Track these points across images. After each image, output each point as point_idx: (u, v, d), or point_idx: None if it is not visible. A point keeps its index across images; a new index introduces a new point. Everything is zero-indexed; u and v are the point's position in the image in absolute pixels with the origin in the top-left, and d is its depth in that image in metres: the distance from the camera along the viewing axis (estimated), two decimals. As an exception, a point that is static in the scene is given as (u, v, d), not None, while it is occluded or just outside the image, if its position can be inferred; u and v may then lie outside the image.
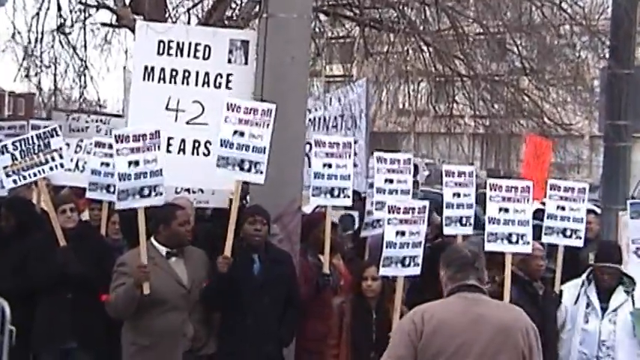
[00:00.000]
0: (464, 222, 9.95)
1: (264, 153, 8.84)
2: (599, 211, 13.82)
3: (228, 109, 8.81)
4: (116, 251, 9.68)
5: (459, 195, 9.96)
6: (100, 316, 8.84)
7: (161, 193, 8.57)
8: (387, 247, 8.57)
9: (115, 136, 8.62)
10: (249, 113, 8.83)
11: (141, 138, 8.54)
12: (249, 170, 8.78)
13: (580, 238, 9.68)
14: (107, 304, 8.45)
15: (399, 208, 8.68)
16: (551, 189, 9.89)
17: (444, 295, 6.41)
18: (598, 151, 25.33)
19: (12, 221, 10.08)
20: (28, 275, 9.27)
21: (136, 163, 8.47)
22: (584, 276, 9.72)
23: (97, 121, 12.76)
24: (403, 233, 8.58)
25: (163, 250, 8.49)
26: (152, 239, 8.52)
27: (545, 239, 9.64)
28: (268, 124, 8.87)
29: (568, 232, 9.62)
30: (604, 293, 9.50)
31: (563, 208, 9.65)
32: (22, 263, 9.38)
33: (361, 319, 8.69)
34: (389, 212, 8.69)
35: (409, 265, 8.56)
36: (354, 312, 8.83)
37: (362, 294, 8.81)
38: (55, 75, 21.27)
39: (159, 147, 8.65)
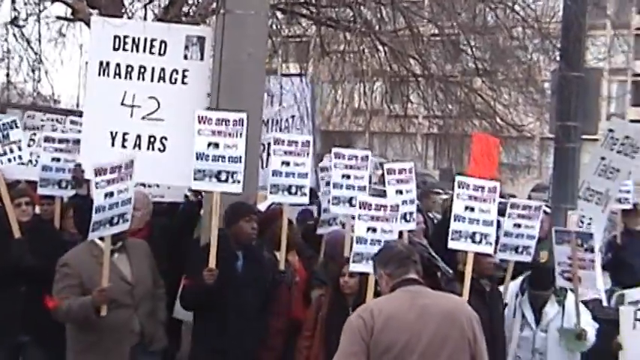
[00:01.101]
0: (407, 218, 10.01)
1: (240, 162, 8.88)
2: (549, 210, 13.95)
3: (199, 122, 8.84)
4: (72, 245, 9.41)
5: (401, 192, 10.03)
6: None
7: (127, 220, 8.48)
8: (357, 242, 8.60)
9: (95, 170, 8.47)
10: (222, 124, 8.88)
11: (116, 170, 8.44)
12: (226, 181, 8.83)
13: (490, 243, 9.32)
14: (55, 312, 8.29)
15: (371, 205, 8.69)
16: (459, 187, 9.50)
17: (387, 292, 6.54)
18: (548, 152, 25.46)
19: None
20: None
21: (111, 194, 8.36)
22: (519, 282, 9.96)
23: (52, 120, 12.67)
24: (375, 230, 8.57)
25: (102, 245, 8.36)
26: (96, 239, 8.42)
27: (451, 245, 9.33)
28: (241, 134, 8.90)
29: (478, 237, 9.27)
30: (537, 305, 9.73)
31: (471, 209, 9.37)
32: None
33: (337, 315, 8.62)
34: (360, 208, 8.70)
35: None
36: (330, 307, 8.88)
37: (339, 289, 8.85)
38: (8, 69, 21.21)
39: (131, 177, 8.58)
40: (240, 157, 8.89)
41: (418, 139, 28.51)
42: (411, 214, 10.10)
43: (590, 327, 9.67)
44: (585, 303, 10.08)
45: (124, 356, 8.29)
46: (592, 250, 10.74)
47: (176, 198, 10.09)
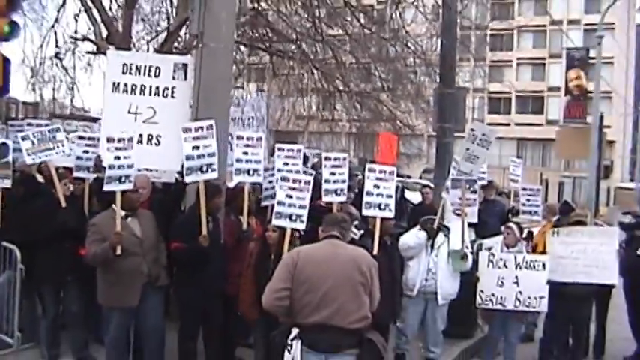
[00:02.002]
0: (338, 193, 9.88)
1: (215, 156, 8.77)
2: (433, 186, 13.98)
3: (184, 133, 8.72)
4: (96, 213, 9.33)
5: (334, 174, 9.88)
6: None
7: (131, 181, 8.41)
8: (277, 204, 8.56)
9: (107, 138, 8.61)
10: (199, 131, 8.76)
11: (122, 141, 8.50)
12: (206, 172, 8.70)
13: (391, 210, 9.30)
14: (85, 257, 8.27)
15: (289, 179, 8.69)
16: (369, 171, 9.55)
17: None
18: (432, 145, 25.66)
19: (21, 189, 9.78)
20: (36, 229, 9.11)
21: (118, 157, 8.40)
22: (416, 229, 9.93)
23: (83, 127, 12.52)
24: (291, 197, 8.51)
25: (122, 212, 8.31)
26: (114, 205, 8.35)
27: (365, 212, 9.36)
28: (213, 135, 8.78)
29: (382, 206, 9.25)
30: (430, 236, 9.82)
31: (378, 187, 9.34)
32: (29, 220, 9.22)
33: (263, 259, 8.62)
34: (282, 180, 8.72)
35: (295, 220, 8.46)
36: (259, 252, 8.80)
37: (265, 240, 8.76)
38: (53, 89, 21.11)
39: (133, 147, 8.54)
40: (214, 152, 8.78)
41: (342, 136, 28.53)
42: (342, 190, 9.95)
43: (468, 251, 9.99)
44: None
45: (137, 291, 8.20)
46: (475, 192, 10.84)
47: (169, 179, 9.89)
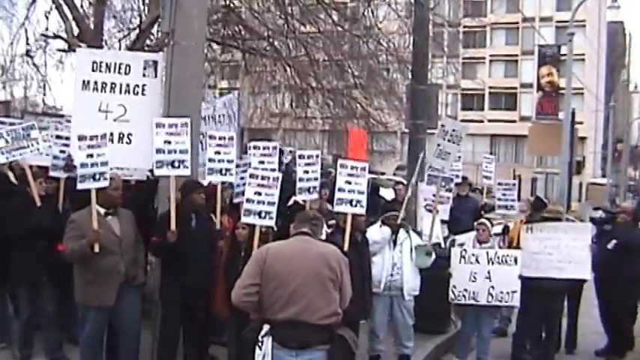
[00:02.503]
0: (311, 191, 9.89)
1: (187, 153, 8.81)
2: (405, 182, 14.00)
3: (157, 127, 8.77)
4: (69, 212, 9.32)
5: (307, 172, 9.89)
6: (61, 258, 8.51)
7: (106, 178, 8.40)
8: (247, 201, 8.60)
9: (78, 136, 8.57)
10: (172, 127, 8.81)
11: (95, 138, 8.52)
12: (178, 167, 8.75)
13: (362, 206, 9.29)
14: (63, 254, 8.21)
15: (258, 176, 8.74)
16: (340, 167, 9.52)
17: None
18: (405, 142, 25.70)
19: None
20: (8, 228, 9.08)
21: (91, 155, 8.42)
22: (378, 225, 10.00)
23: (55, 122, 12.35)
24: (260, 194, 8.56)
25: (102, 210, 8.30)
26: (97, 208, 8.27)
27: (336, 208, 9.32)
28: (187, 132, 8.82)
29: (354, 202, 9.22)
30: (392, 232, 9.84)
31: (349, 183, 9.32)
32: (2, 219, 9.16)
33: (233, 256, 8.74)
34: (250, 177, 8.76)
35: (264, 217, 8.51)
36: (229, 249, 8.93)
37: (235, 237, 8.84)
38: (24, 87, 21.00)
39: (106, 144, 8.58)
40: (187, 149, 8.81)
41: (316, 134, 28.54)
42: (314, 187, 9.96)
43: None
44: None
45: (113, 290, 8.15)
46: (450, 190, 10.87)
47: (141, 176, 9.84)
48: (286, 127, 26.49)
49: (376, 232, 9.81)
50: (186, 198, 8.69)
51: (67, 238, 8.13)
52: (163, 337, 8.70)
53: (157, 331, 8.97)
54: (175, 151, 8.74)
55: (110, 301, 8.14)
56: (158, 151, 8.71)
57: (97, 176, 8.36)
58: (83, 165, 8.36)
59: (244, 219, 8.55)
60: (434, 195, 10.66)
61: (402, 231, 9.90)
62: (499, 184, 13.33)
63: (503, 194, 12.69)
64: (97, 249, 7.98)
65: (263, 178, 8.68)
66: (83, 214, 8.27)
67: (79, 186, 8.32)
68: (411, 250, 9.84)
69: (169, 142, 8.74)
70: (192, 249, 8.48)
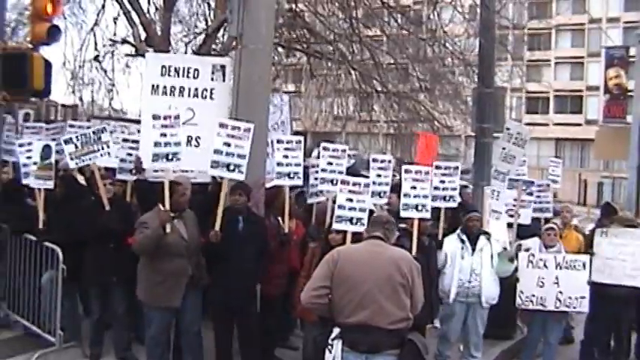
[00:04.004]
0: (382, 195, 10.00)
1: (245, 159, 8.84)
2: (471, 187, 13.91)
3: (220, 127, 8.81)
4: (137, 213, 9.52)
5: (380, 175, 9.89)
6: (132, 260, 8.70)
7: (179, 159, 8.67)
8: (338, 208, 8.54)
9: (152, 115, 8.82)
10: (234, 130, 8.85)
11: (168, 118, 8.76)
12: (233, 171, 8.81)
13: (427, 211, 9.33)
14: (134, 244, 8.38)
15: (349, 182, 8.66)
16: (405, 172, 9.53)
17: None
18: (470, 145, 25.51)
19: (63, 190, 9.98)
20: (78, 230, 9.24)
21: (164, 134, 8.69)
22: (458, 230, 9.80)
23: (121, 127, 12.55)
24: (351, 200, 8.51)
25: (170, 214, 8.40)
26: (161, 206, 8.42)
27: (402, 214, 9.30)
28: (248, 137, 8.86)
29: (420, 207, 9.25)
30: (472, 238, 9.66)
31: (414, 188, 9.33)
32: (71, 221, 9.36)
33: None
34: (342, 184, 8.68)
35: (356, 223, 8.45)
36: (321, 255, 8.72)
37: (328, 242, 8.70)
38: (91, 91, 21.35)
39: (179, 125, 8.82)
40: (245, 155, 8.86)
41: (380, 137, 28.51)
42: (385, 192, 10.07)
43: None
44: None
45: (180, 292, 8.31)
46: (531, 194, 10.74)
47: (206, 179, 9.96)
48: (351, 130, 26.49)
49: (451, 243, 9.72)
50: (228, 198, 8.77)
51: (137, 235, 8.29)
52: (218, 338, 8.77)
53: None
54: (233, 155, 8.81)
55: (176, 302, 8.29)
56: (216, 152, 8.78)
57: (170, 156, 8.60)
58: (157, 144, 8.59)
59: (336, 225, 8.51)
60: (515, 199, 10.52)
61: (482, 237, 9.73)
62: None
63: (538, 196, 12.16)
64: (168, 229, 8.17)
65: (354, 184, 8.63)
66: (152, 215, 8.39)
67: (153, 165, 8.61)
68: (491, 256, 9.66)
69: (229, 145, 8.80)
70: (238, 251, 8.52)
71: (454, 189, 9.85)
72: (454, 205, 9.73)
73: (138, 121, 12.43)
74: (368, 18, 18.13)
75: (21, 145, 10.19)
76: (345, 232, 8.52)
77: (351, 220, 8.45)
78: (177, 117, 8.74)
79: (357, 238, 8.43)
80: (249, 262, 8.63)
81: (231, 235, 8.50)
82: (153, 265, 8.28)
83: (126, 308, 9.39)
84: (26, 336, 10.14)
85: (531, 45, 61.23)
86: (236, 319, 8.75)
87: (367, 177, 9.94)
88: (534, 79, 65.00)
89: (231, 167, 8.78)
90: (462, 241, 9.65)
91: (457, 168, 10.05)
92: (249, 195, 8.90)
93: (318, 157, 10.40)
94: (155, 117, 8.67)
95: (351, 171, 10.88)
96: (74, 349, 9.72)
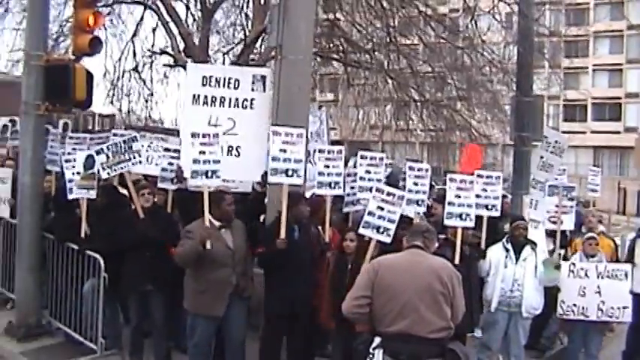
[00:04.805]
0: (419, 203, 9.89)
1: (302, 163, 8.88)
2: (510, 196, 13.84)
3: (273, 135, 8.82)
4: (177, 223, 9.73)
5: (417, 184, 9.89)
6: (169, 268, 8.84)
7: (218, 176, 8.67)
8: (368, 214, 8.50)
9: (191, 133, 8.85)
10: (288, 136, 8.85)
11: (207, 136, 8.77)
12: (291, 176, 8.82)
13: (471, 220, 9.36)
14: (176, 256, 8.46)
15: (383, 191, 8.62)
16: (450, 181, 9.59)
17: None
18: (508, 154, 25.40)
19: (104, 200, 10.08)
20: (116, 239, 9.31)
21: (203, 152, 8.70)
22: (504, 239, 9.78)
23: (157, 139, 12.64)
24: (382, 209, 8.47)
25: (217, 223, 8.50)
26: (208, 216, 8.50)
27: (446, 222, 9.36)
28: (302, 142, 8.90)
29: (464, 216, 9.30)
30: (517, 247, 9.64)
31: (459, 197, 9.37)
32: (112, 230, 9.45)
33: (340, 268, 8.72)
34: (376, 191, 8.65)
35: (382, 233, 8.41)
36: (336, 263, 8.89)
37: (343, 250, 8.81)
38: (129, 101, 21.58)
39: (218, 142, 8.84)
40: (301, 159, 8.89)
41: (416, 146, 28.48)
42: (422, 200, 9.95)
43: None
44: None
45: (224, 301, 8.36)
46: (572, 199, 10.70)
47: (246, 189, 10.03)
48: (387, 139, 26.51)
49: (495, 252, 9.71)
50: (292, 209, 8.75)
51: (182, 244, 8.36)
52: (265, 348, 8.80)
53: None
54: (290, 160, 8.82)
55: (220, 311, 8.34)
56: (274, 159, 8.78)
57: (210, 174, 8.62)
58: (195, 161, 8.62)
59: (362, 230, 8.50)
60: (556, 206, 10.48)
61: (527, 247, 9.69)
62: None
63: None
64: (208, 246, 8.18)
65: (389, 194, 8.59)
66: (198, 224, 8.47)
67: (191, 182, 8.68)
68: (535, 267, 9.61)
69: (284, 151, 8.81)
70: (295, 259, 8.54)
71: (496, 198, 9.82)
72: (496, 214, 9.72)
73: (173, 131, 12.55)
74: (405, 27, 18.16)
75: (67, 161, 10.33)
76: (361, 241, 8.59)
77: (377, 228, 8.43)
78: (216, 135, 8.80)
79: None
80: (305, 270, 8.70)
81: (288, 244, 8.54)
82: (197, 274, 8.35)
83: (164, 316, 9.46)
84: (67, 343, 10.25)
85: (569, 52, 60.64)
86: (289, 328, 8.82)
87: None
88: (572, 86, 64.43)
89: (290, 172, 8.80)
90: (507, 250, 9.63)
91: (499, 177, 10.03)
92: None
93: (355, 167, 10.41)
94: (194, 135, 8.73)
95: (390, 180, 10.87)
96: (115, 356, 9.81)
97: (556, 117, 70.86)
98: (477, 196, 9.70)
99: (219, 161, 8.69)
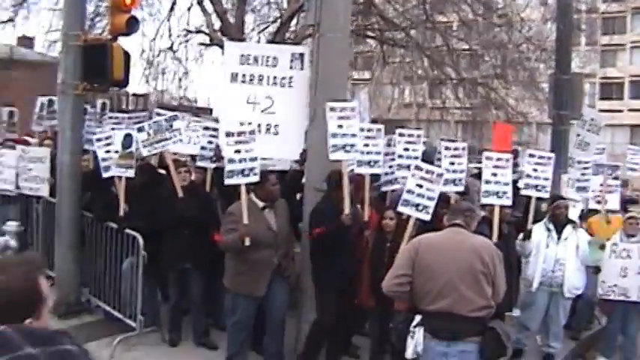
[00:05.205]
0: (456, 183, 9.80)
1: (355, 137, 8.84)
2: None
3: (330, 111, 8.77)
4: (215, 202, 9.91)
5: (453, 163, 9.84)
6: (206, 246, 9.00)
7: (255, 174, 8.57)
8: (406, 192, 8.46)
9: (225, 132, 8.81)
10: (343, 111, 8.80)
11: (242, 134, 8.70)
12: (349, 151, 8.78)
13: (508, 198, 9.30)
14: (219, 243, 8.53)
15: (422, 169, 8.58)
16: (486, 159, 9.54)
17: None
18: (544, 132, 25.24)
19: (142, 179, 10.15)
20: (155, 217, 9.46)
21: (238, 151, 8.59)
22: (545, 219, 9.74)
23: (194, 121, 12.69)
24: (421, 186, 8.42)
25: (260, 203, 8.51)
26: (252, 195, 8.55)
27: (483, 200, 9.36)
28: (356, 117, 8.85)
29: (500, 194, 9.25)
30: (559, 227, 9.62)
31: (495, 175, 9.32)
32: (150, 209, 9.59)
33: (379, 247, 8.71)
34: (415, 169, 8.61)
35: (421, 210, 8.37)
36: (375, 241, 8.86)
37: (382, 229, 8.80)
38: (164, 80, 21.69)
39: (254, 139, 8.72)
40: (355, 134, 8.84)
41: (451, 124, 28.41)
42: (460, 180, 9.86)
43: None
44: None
45: (265, 281, 8.37)
46: (617, 178, 10.60)
47: (284, 167, 10.08)
48: (422, 117, 26.47)
49: (537, 232, 9.66)
50: (335, 190, 8.73)
51: (224, 230, 8.40)
52: (320, 325, 8.80)
53: (303, 318, 9.19)
54: (347, 135, 8.78)
55: (261, 291, 8.36)
56: (334, 135, 8.74)
57: (246, 172, 8.54)
58: (231, 161, 8.58)
59: (401, 208, 8.48)
60: (601, 185, 10.39)
61: (568, 226, 9.67)
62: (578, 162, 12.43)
63: (582, 174, 11.87)
64: (247, 242, 8.18)
65: (428, 172, 8.55)
66: (239, 206, 8.48)
67: (227, 182, 8.56)
68: (577, 246, 9.57)
69: (341, 127, 8.78)
70: (347, 237, 8.57)
71: (546, 179, 9.72)
72: (546, 195, 9.65)
73: (206, 110, 12.58)
74: (440, 3, 18.07)
75: (99, 140, 10.39)
76: (400, 219, 8.58)
77: (417, 206, 8.39)
78: (252, 132, 8.76)
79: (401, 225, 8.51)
80: (351, 249, 8.72)
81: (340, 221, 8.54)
82: (240, 255, 8.37)
83: (202, 294, 9.59)
84: (107, 320, 10.37)
85: (606, 29, 59.92)
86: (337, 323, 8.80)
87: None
88: (609, 64, 63.69)
89: (347, 148, 8.75)
90: (548, 229, 9.60)
91: (551, 158, 9.93)
92: None
93: (389, 145, 10.36)
94: (229, 134, 8.71)
95: (424, 159, 10.84)
96: (154, 333, 9.90)
97: (593, 95, 70.07)
98: (528, 175, 9.70)
99: (255, 159, 8.64)
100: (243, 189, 8.45)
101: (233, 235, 8.23)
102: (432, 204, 8.39)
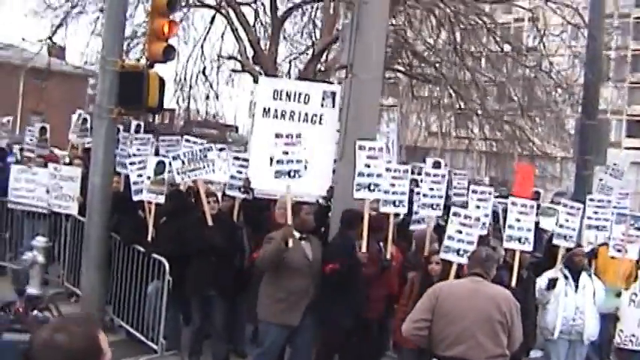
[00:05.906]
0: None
1: (382, 177, 9.05)
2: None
3: (359, 150, 8.99)
4: (242, 231, 10.02)
5: (479, 207, 10.01)
6: (233, 275, 9.26)
7: (301, 176, 8.77)
8: (447, 239, 8.61)
9: (276, 134, 8.94)
10: (371, 150, 9.01)
11: (290, 136, 8.89)
12: (373, 190, 8.99)
13: (530, 244, 9.29)
14: (257, 259, 8.65)
15: (461, 215, 8.74)
16: (511, 205, 9.55)
17: None
18: (565, 168, 25.36)
19: (170, 205, 10.28)
20: (183, 243, 9.61)
21: (286, 152, 8.81)
22: (560, 265, 9.72)
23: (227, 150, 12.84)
24: (461, 232, 8.57)
25: (297, 234, 8.54)
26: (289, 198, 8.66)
27: (505, 245, 9.40)
28: (382, 157, 9.11)
29: (522, 240, 9.23)
30: (575, 275, 9.63)
31: (519, 220, 9.29)
32: (177, 234, 9.72)
33: (424, 292, 8.72)
34: (453, 215, 8.75)
35: (462, 255, 8.45)
36: (421, 284, 8.75)
37: (428, 273, 8.83)
38: (194, 100, 22.00)
39: (301, 143, 8.89)
40: (381, 174, 9.05)
41: (475, 155, 28.44)
42: (484, 224, 9.96)
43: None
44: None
45: (300, 311, 8.43)
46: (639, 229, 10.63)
47: (311, 200, 10.18)
48: (446, 147, 26.59)
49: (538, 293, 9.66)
50: (353, 230, 8.89)
51: (261, 250, 8.52)
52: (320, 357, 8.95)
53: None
54: (373, 175, 8.97)
55: (295, 321, 8.42)
56: (360, 174, 8.92)
57: (292, 173, 8.73)
58: (279, 162, 8.76)
59: (443, 255, 8.62)
60: (622, 234, 10.45)
61: (584, 274, 9.72)
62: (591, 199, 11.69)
63: (595, 212, 11.19)
64: (290, 244, 8.29)
65: (466, 217, 8.71)
66: (280, 231, 8.57)
67: (275, 182, 8.81)
68: (594, 293, 9.61)
69: (368, 166, 8.96)
70: (357, 274, 8.67)
71: (574, 229, 9.76)
72: (572, 245, 9.65)
73: (232, 127, 12.73)
74: (469, 37, 18.23)
75: (132, 164, 10.65)
76: (445, 264, 8.63)
77: (458, 251, 8.51)
78: (299, 135, 8.88)
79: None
80: (363, 285, 8.83)
81: (354, 258, 8.72)
82: (277, 282, 8.44)
83: (224, 320, 9.70)
84: (129, 341, 10.49)
85: (634, 66, 59.62)
86: (345, 341, 8.95)
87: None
88: (636, 101, 63.31)
89: (372, 187, 8.95)
90: (565, 277, 9.62)
91: (580, 209, 9.95)
92: None
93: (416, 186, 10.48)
94: (278, 135, 8.85)
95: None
96: (175, 357, 10.04)
97: (618, 132, 69.56)
98: (560, 226, 9.73)
99: (301, 161, 8.81)
100: (289, 200, 8.59)
101: (275, 239, 8.32)
102: (472, 248, 8.46)
